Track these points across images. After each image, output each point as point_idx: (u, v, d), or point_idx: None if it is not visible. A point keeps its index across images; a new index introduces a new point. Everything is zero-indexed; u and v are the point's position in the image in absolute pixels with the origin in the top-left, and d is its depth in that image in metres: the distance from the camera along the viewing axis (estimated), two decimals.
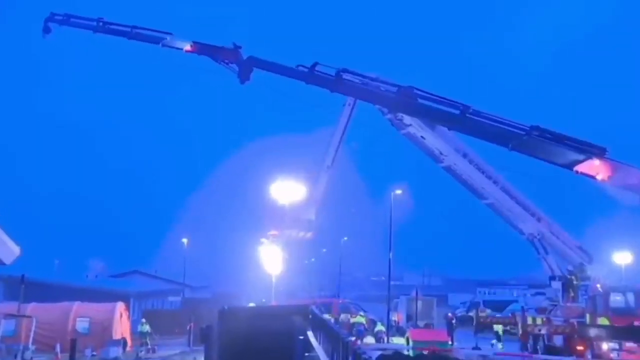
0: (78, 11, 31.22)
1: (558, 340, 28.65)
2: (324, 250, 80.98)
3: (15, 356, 30.18)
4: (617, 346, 23.96)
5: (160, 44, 27.73)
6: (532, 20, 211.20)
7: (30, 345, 31.09)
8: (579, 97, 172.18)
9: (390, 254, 43.16)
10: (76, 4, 32.42)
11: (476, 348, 31.50)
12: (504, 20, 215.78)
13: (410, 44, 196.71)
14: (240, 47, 25.82)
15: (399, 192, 44.27)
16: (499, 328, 35.97)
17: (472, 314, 45.73)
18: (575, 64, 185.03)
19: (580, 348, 26.16)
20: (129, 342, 38.16)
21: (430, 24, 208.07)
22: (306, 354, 18.68)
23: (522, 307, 36.26)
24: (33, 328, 31.80)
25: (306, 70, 23.16)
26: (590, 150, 18.30)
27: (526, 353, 29.30)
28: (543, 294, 37.40)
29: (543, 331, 29.39)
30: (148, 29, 28.43)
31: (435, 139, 29.39)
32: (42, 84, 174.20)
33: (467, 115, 19.62)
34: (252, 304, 38.26)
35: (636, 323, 24.61)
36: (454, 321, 40.41)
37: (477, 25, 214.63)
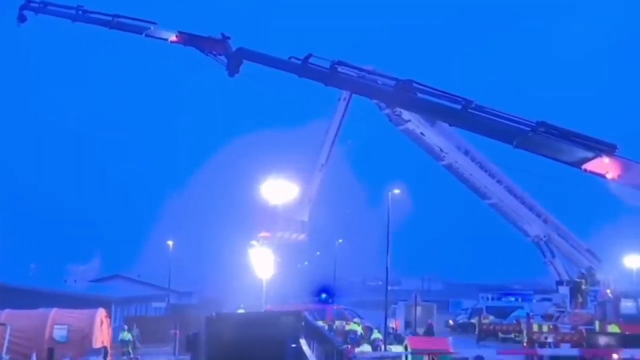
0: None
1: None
2: (318, 253, 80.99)
3: None
4: (628, 355, 24.07)
5: (144, 34, 27.60)
6: (564, 20, 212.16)
7: (3, 355, 30.96)
8: (607, 99, 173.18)
9: (388, 257, 43.17)
10: None
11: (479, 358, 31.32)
12: (532, 18, 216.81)
13: (427, 42, 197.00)
14: (229, 38, 25.67)
15: (397, 191, 44.26)
16: None
17: (474, 320, 45.91)
18: (606, 66, 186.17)
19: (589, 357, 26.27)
20: (110, 351, 38.09)
21: (451, 21, 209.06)
22: None
23: (528, 313, 36.32)
24: (7, 336, 31.63)
25: (299, 62, 23.11)
26: (600, 147, 18.22)
27: None
28: (550, 299, 37.60)
29: (550, 339, 29.45)
30: (131, 18, 28.33)
31: (435, 136, 29.52)
32: (22, 81, 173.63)
33: (469, 110, 19.60)
34: (241, 310, 38.30)
35: None
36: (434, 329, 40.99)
37: (488, 24, 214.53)
